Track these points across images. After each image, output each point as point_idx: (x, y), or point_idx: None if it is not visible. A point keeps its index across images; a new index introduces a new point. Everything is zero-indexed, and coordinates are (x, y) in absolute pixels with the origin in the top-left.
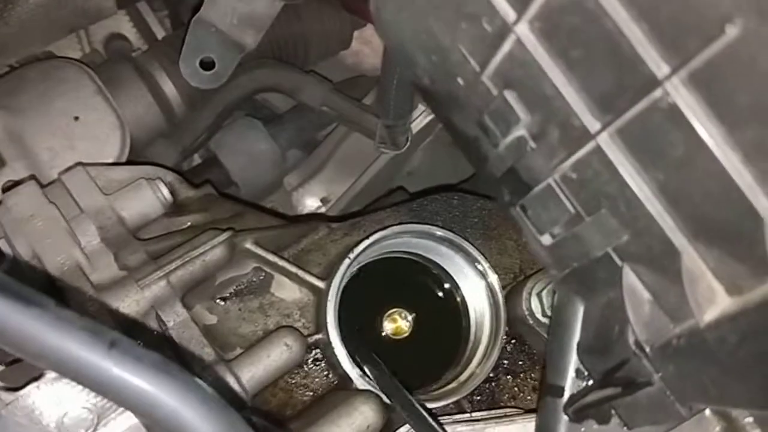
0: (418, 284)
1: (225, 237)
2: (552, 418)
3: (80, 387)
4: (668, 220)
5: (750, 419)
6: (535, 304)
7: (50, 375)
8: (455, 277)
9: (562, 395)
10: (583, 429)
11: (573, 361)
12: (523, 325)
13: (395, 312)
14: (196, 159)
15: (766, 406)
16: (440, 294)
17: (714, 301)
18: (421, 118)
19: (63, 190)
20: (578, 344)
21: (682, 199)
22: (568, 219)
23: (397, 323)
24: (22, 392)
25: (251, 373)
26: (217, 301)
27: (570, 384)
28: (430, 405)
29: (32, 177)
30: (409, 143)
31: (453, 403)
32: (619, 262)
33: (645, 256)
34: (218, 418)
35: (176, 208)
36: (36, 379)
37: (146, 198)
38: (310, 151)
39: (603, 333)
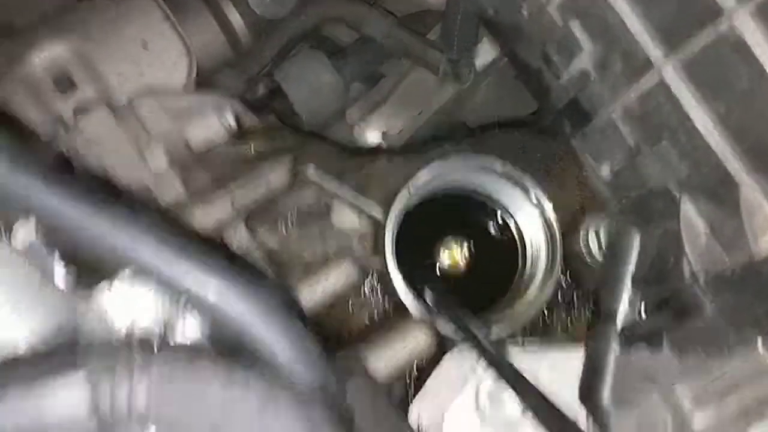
0: (476, 218)
1: (288, 163)
2: (603, 345)
3: (152, 293)
4: (728, 153)
5: None
6: (592, 240)
7: (123, 276)
8: (512, 212)
9: (614, 323)
10: (633, 357)
11: (627, 290)
12: (579, 261)
13: (452, 245)
14: (261, 90)
15: None
16: (497, 228)
17: None
18: (485, 53)
19: (132, 115)
20: (633, 274)
21: (743, 131)
22: (628, 150)
23: (454, 256)
24: (93, 294)
25: (309, 296)
26: (279, 226)
27: (623, 312)
28: None
29: (102, 100)
30: (472, 78)
31: (507, 336)
32: (677, 193)
33: (703, 187)
34: (285, 326)
35: (240, 136)
36: (107, 281)
37: (212, 125)
38: (373, 84)
39: (658, 263)
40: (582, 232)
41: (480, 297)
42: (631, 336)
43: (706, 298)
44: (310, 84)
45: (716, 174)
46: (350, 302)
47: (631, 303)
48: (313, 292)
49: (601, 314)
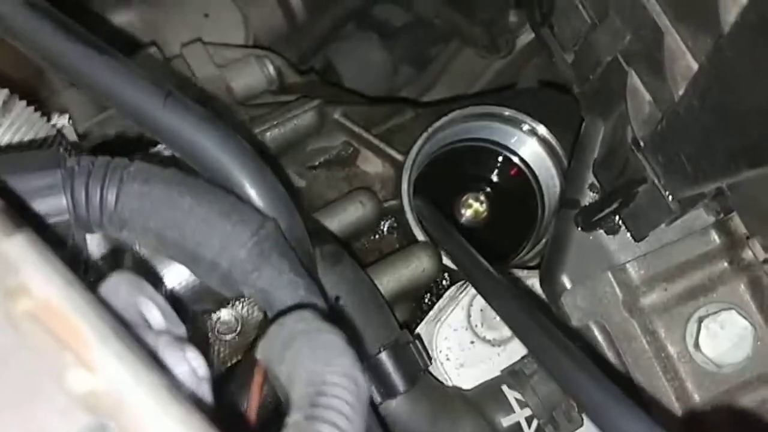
0: (492, 169)
1: (315, 103)
2: (565, 228)
3: None
4: (655, 5)
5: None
6: None
7: None
8: (520, 152)
9: (577, 209)
10: (591, 237)
11: (589, 177)
12: None
13: (470, 200)
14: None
15: (731, 172)
16: (509, 172)
17: (689, 76)
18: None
19: (182, 61)
20: (594, 160)
21: None
22: (585, 30)
23: (474, 209)
24: None
25: (328, 224)
26: (307, 167)
27: (585, 197)
28: None
29: (153, 44)
30: (509, 48)
31: None
32: (626, 67)
33: (643, 53)
34: (251, 166)
35: (281, 89)
36: None
37: (253, 72)
38: (421, 67)
39: (613, 143)
40: None
41: (509, 243)
42: (588, 220)
43: (645, 162)
44: (360, 62)
45: (650, 32)
46: (369, 241)
47: (592, 187)
48: (331, 222)
49: (566, 200)
